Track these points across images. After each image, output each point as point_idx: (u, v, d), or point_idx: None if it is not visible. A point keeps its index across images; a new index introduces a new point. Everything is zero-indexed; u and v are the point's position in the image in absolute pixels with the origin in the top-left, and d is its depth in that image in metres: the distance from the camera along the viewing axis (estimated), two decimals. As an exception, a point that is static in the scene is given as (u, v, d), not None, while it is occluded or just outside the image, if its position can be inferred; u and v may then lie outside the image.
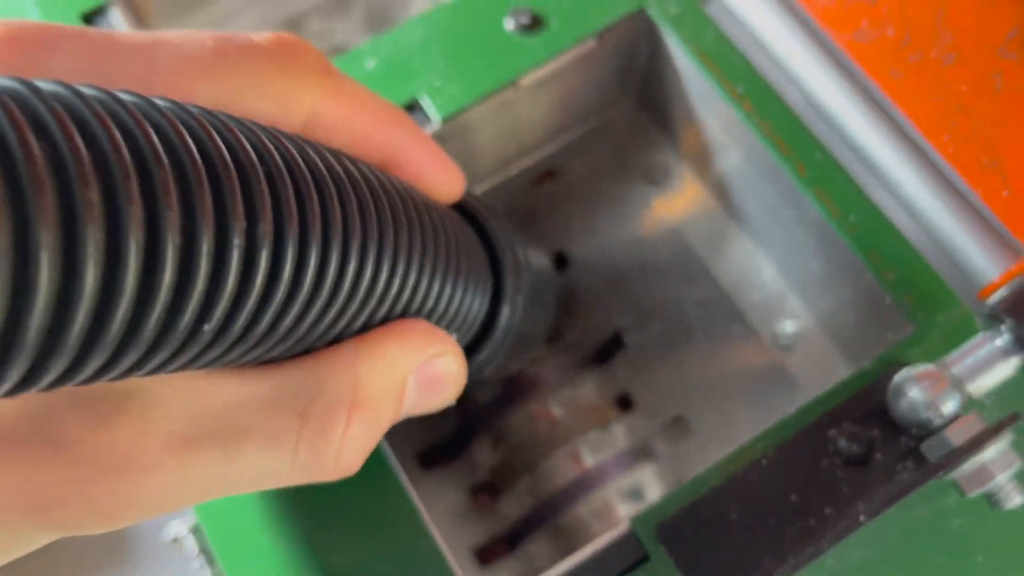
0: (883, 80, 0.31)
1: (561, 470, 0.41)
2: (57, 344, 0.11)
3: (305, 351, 0.19)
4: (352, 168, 0.19)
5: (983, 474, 0.27)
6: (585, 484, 0.40)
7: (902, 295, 0.32)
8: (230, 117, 0.16)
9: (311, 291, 0.16)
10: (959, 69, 0.32)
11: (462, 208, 0.28)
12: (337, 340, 0.19)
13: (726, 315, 0.43)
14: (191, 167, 0.13)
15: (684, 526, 0.29)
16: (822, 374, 0.40)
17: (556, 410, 0.42)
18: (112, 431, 0.16)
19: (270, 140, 0.16)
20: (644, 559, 0.29)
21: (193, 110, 0.15)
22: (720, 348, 0.43)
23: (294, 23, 0.49)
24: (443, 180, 0.25)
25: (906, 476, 0.29)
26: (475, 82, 0.37)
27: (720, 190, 0.42)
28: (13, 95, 0.11)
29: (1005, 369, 0.28)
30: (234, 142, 0.15)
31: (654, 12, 0.37)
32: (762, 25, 0.35)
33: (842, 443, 0.30)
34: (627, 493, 0.41)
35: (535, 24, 0.37)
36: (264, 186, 0.15)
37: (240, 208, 0.14)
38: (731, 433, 0.42)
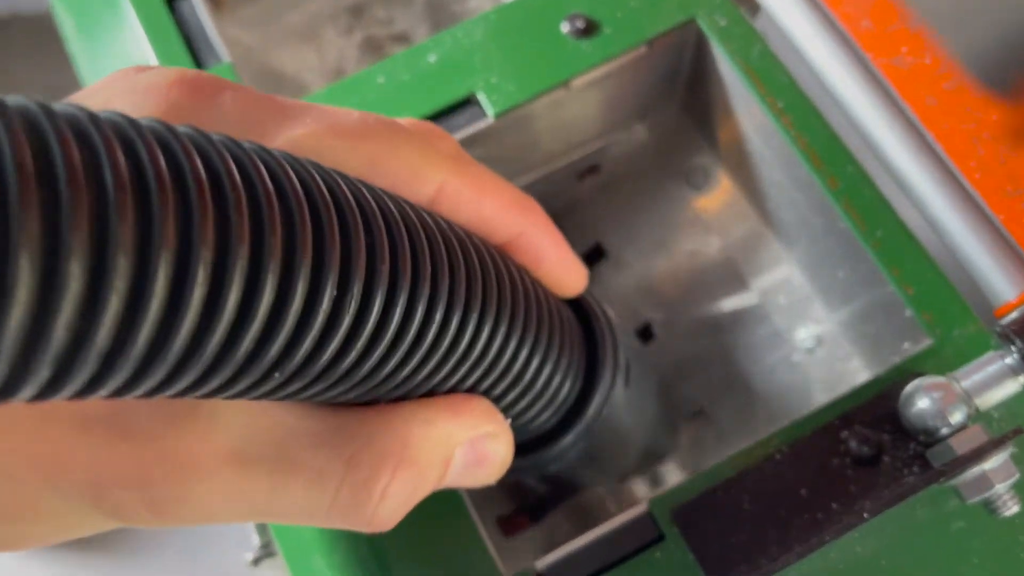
0: (918, 104, 0.33)
1: (586, 452, 0.43)
2: (192, 359, 0.13)
3: (366, 403, 0.20)
4: (463, 237, 0.20)
5: (983, 482, 0.29)
6: (608, 466, 0.42)
7: (921, 309, 0.33)
8: (350, 178, 0.17)
9: (392, 342, 0.17)
10: (990, 99, 0.34)
11: (574, 303, 0.28)
12: (401, 399, 0.20)
13: (753, 316, 0.45)
14: (296, 209, 0.14)
15: (699, 511, 0.31)
16: (840, 378, 0.41)
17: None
18: (179, 433, 0.17)
19: (371, 194, 0.17)
20: (659, 539, 0.31)
21: (305, 162, 0.16)
22: (744, 347, 0.44)
23: (358, 10, 0.51)
24: (563, 270, 0.25)
25: (912, 479, 0.31)
26: (529, 81, 0.39)
27: (755, 196, 0.44)
28: (158, 134, 0.13)
29: (1012, 386, 0.29)
30: (337, 190, 0.16)
31: (704, 23, 0.39)
32: (806, 43, 0.37)
33: (853, 444, 0.32)
34: (647, 478, 0.43)
35: (589, 29, 0.39)
36: (360, 235, 0.15)
37: (336, 256, 0.15)
38: (749, 428, 0.44)
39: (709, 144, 0.46)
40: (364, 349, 0.16)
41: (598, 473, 0.31)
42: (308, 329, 0.15)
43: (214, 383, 0.14)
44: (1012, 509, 0.29)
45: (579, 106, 0.42)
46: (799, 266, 0.43)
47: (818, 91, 0.38)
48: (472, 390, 0.21)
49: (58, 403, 0.16)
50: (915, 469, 0.31)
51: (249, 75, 0.49)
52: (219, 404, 0.18)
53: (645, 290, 0.47)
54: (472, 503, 0.34)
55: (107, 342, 0.12)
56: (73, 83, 0.44)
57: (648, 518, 0.32)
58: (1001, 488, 0.29)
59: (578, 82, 0.39)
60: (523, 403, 0.24)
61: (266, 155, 0.15)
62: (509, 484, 0.44)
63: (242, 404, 0.18)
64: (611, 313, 0.28)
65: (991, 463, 0.29)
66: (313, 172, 0.16)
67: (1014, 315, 0.29)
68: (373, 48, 0.51)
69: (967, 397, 0.29)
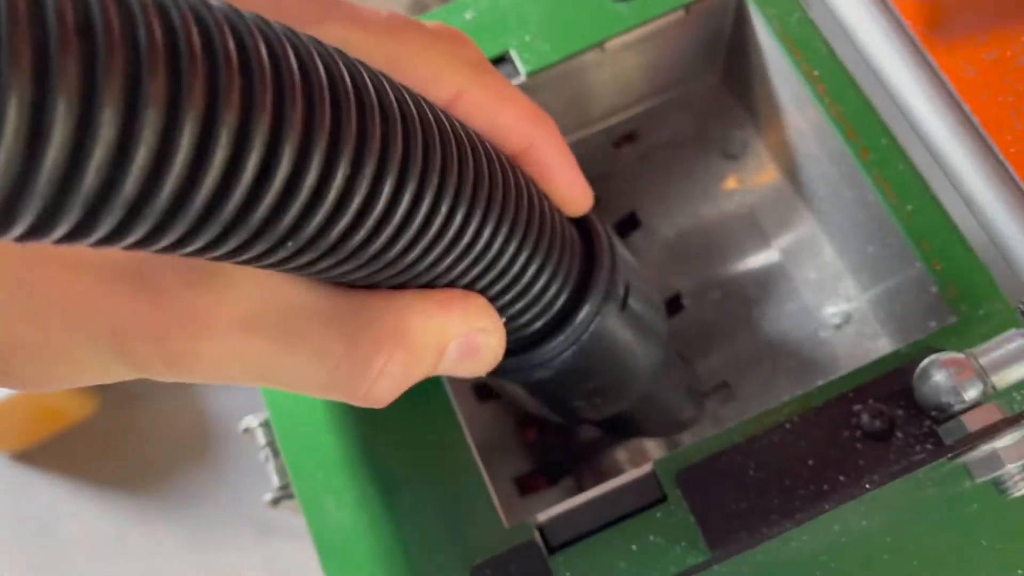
0: (956, 75, 0.32)
1: (605, 417, 0.43)
2: (211, 216, 0.14)
3: (369, 286, 0.21)
4: (475, 140, 0.21)
5: (994, 461, 0.28)
6: (625, 432, 0.42)
7: (947, 285, 0.33)
8: (373, 69, 0.18)
9: (399, 226, 0.18)
10: (1036, 71, 0.32)
11: (581, 224, 0.28)
12: (401, 286, 0.21)
13: (782, 290, 0.44)
14: (317, 88, 0.15)
15: (703, 475, 0.31)
16: (867, 356, 0.41)
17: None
18: (196, 294, 0.18)
19: (391, 86, 0.18)
20: (661, 500, 0.31)
21: (331, 49, 0.17)
22: (772, 321, 0.44)
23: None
24: (570, 186, 0.26)
25: (923, 456, 0.30)
26: (563, 41, 0.39)
27: (791, 169, 0.43)
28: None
29: (1033, 366, 0.29)
30: (358, 77, 0.17)
31: (743, -12, 0.39)
32: (846, 11, 0.36)
33: (865, 418, 0.31)
34: (665, 445, 0.43)
35: (626, -9, 0.39)
36: (376, 120, 0.16)
37: (326, 125, 0.15)
38: (772, 402, 0.43)
39: (747, 115, 0.46)
40: (372, 230, 0.17)
41: (594, 401, 0.31)
42: (320, 203, 0.16)
43: (231, 243, 0.15)
44: (1022, 490, 0.28)
45: (615, 70, 0.42)
46: (831, 241, 0.42)
47: (856, 62, 0.37)
48: (470, 287, 0.22)
49: (86, 254, 0.18)
50: (928, 446, 0.30)
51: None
52: (235, 275, 0.19)
53: (676, 260, 0.47)
54: (487, 460, 0.34)
55: (134, 190, 0.13)
56: None
57: (652, 478, 0.32)
58: (1013, 468, 0.28)
59: (613, 44, 0.39)
60: (517, 306, 0.24)
61: (294, 37, 0.16)
62: (527, 443, 0.44)
63: (256, 278, 0.19)
64: (618, 242, 0.28)
65: (1003, 441, 0.28)
66: (337, 58, 0.16)
67: (1038, 292, 0.28)
68: (420, 8, 0.52)
69: (984, 374, 0.29)
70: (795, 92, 0.38)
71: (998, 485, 0.28)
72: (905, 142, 0.35)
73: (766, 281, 0.45)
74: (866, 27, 0.36)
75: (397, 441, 0.34)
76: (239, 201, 0.14)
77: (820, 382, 0.33)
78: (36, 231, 0.13)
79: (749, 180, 0.46)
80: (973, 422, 0.28)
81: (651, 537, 0.31)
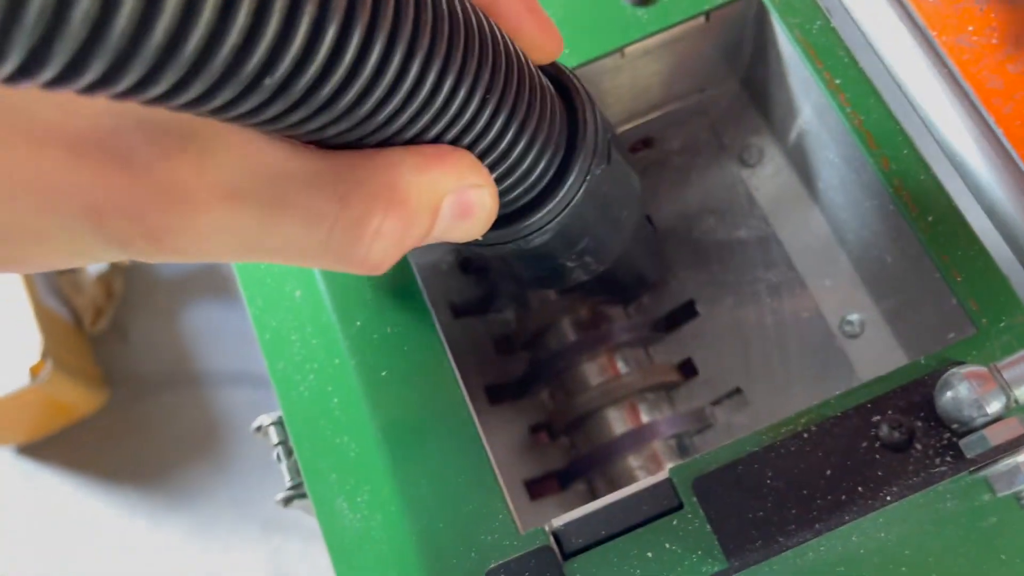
0: (980, 86, 0.32)
1: (618, 422, 0.43)
2: (213, 52, 0.14)
3: (356, 144, 0.20)
4: None
5: (1015, 475, 0.28)
6: (639, 438, 0.42)
7: (967, 298, 0.32)
8: None
9: (372, 74, 0.18)
10: (1062, 83, 0.32)
11: (558, 80, 0.28)
12: (387, 143, 0.20)
13: (797, 298, 0.44)
14: None
15: (720, 483, 0.31)
16: (882, 365, 0.40)
17: (622, 366, 0.44)
18: (172, 165, 0.17)
19: None
20: (677, 508, 0.31)
21: None
22: (787, 328, 0.44)
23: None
24: (540, 35, 0.25)
25: (942, 469, 0.30)
26: (583, 46, 0.39)
27: (808, 177, 0.43)
28: None
29: (1056, 380, 0.28)
30: None
31: (765, -5, 0.38)
32: (869, 19, 0.36)
33: (884, 429, 0.31)
34: (678, 452, 0.43)
35: (648, -4, 0.39)
36: None
37: None
38: (786, 410, 0.43)
39: (764, 122, 0.46)
40: (347, 74, 0.17)
41: (585, 260, 0.31)
42: (291, 35, 0.16)
43: (203, 82, 0.15)
44: (1044, 505, 0.28)
45: (633, 76, 0.42)
46: (847, 249, 0.42)
47: (879, 71, 0.37)
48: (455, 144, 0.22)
49: (53, 127, 0.17)
50: (947, 459, 0.30)
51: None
52: (213, 144, 0.18)
53: (690, 266, 0.47)
54: (500, 464, 0.34)
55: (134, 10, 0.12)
56: None
57: (669, 485, 0.32)
58: (1034, 482, 0.28)
59: (633, 50, 0.39)
60: (506, 163, 0.24)
61: None
62: (537, 444, 0.44)
63: (236, 145, 0.18)
64: (592, 97, 0.28)
65: (1025, 456, 0.28)
66: None
67: (1062, 306, 0.28)
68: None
69: (1007, 387, 0.28)
70: (815, 100, 0.38)
71: (1019, 499, 0.28)
72: (927, 152, 0.34)
73: (780, 288, 0.45)
74: (889, 36, 0.36)
75: (412, 443, 0.34)
76: (236, 42, 0.14)
77: (834, 391, 0.33)
78: (32, 63, 0.12)
79: (765, 187, 0.46)
80: (995, 436, 0.28)
81: (667, 545, 0.31)
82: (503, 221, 0.27)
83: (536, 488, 0.43)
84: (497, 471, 0.34)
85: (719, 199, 0.47)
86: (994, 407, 0.28)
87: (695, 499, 0.31)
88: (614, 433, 0.43)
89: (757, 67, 0.43)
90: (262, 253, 0.19)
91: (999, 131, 0.32)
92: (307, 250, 0.20)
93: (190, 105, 0.16)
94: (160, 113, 0.17)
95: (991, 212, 0.34)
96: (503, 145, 0.23)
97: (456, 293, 0.46)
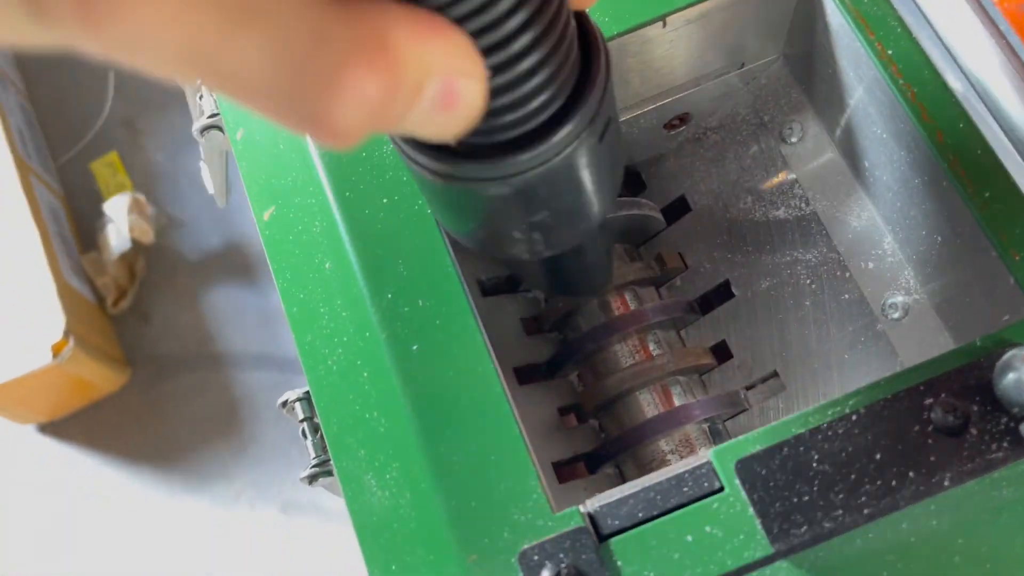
0: (1044, 55, 0.31)
1: (649, 405, 0.42)
2: None
3: None
4: None
5: (1078, 462, 0.27)
6: (670, 421, 0.41)
7: (1026, 277, 0.31)
8: None
9: None
10: None
11: (586, 38, 0.25)
12: None
13: (837, 280, 0.43)
14: None
15: (764, 466, 0.30)
16: (926, 351, 0.39)
17: (654, 348, 0.43)
18: None
19: None
20: (718, 491, 0.30)
21: None
22: (826, 312, 0.42)
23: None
24: None
25: (999, 455, 0.29)
26: (624, 13, 0.37)
27: (853, 155, 0.42)
28: None
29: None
30: None
31: (814, -37, 0.37)
32: (925, -14, 0.35)
33: (938, 412, 0.30)
34: (710, 437, 0.42)
35: (691, -37, 0.37)
36: None
37: None
38: (823, 395, 0.42)
39: (807, 98, 0.44)
40: None
41: (533, 236, 0.28)
42: None
43: None
44: (1109, 493, 0.27)
45: (673, 46, 0.40)
46: (892, 230, 0.41)
47: (932, 40, 0.35)
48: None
49: None
50: (1004, 444, 0.29)
51: None
52: None
53: (727, 247, 0.46)
54: (531, 445, 0.33)
55: None
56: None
57: (709, 468, 0.30)
58: (1098, 470, 0.27)
59: (676, 19, 0.38)
60: (494, 60, 0.21)
61: None
62: (566, 426, 0.43)
63: None
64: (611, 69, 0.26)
65: (1090, 442, 0.26)
66: None
67: None
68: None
69: (1071, 370, 0.27)
70: (864, 73, 0.37)
71: (1081, 487, 0.27)
72: (983, 126, 0.33)
73: (820, 270, 0.43)
74: (944, 4, 0.34)
75: (443, 419, 0.33)
76: None
77: (875, 377, 0.31)
78: None
79: (806, 166, 0.45)
80: (1058, 420, 0.27)
81: (707, 528, 0.30)
82: (471, 153, 0.24)
83: (564, 471, 0.42)
84: (532, 451, 0.33)
85: (757, 177, 0.46)
86: (1057, 391, 0.27)
87: (737, 482, 0.30)
88: (645, 416, 0.42)
89: (800, 39, 0.41)
90: (207, 69, 0.16)
91: (1063, 103, 0.31)
92: (260, 83, 0.16)
93: None
94: None
95: (1051, 189, 0.32)
96: (506, 30, 0.20)
97: (484, 271, 0.45)
